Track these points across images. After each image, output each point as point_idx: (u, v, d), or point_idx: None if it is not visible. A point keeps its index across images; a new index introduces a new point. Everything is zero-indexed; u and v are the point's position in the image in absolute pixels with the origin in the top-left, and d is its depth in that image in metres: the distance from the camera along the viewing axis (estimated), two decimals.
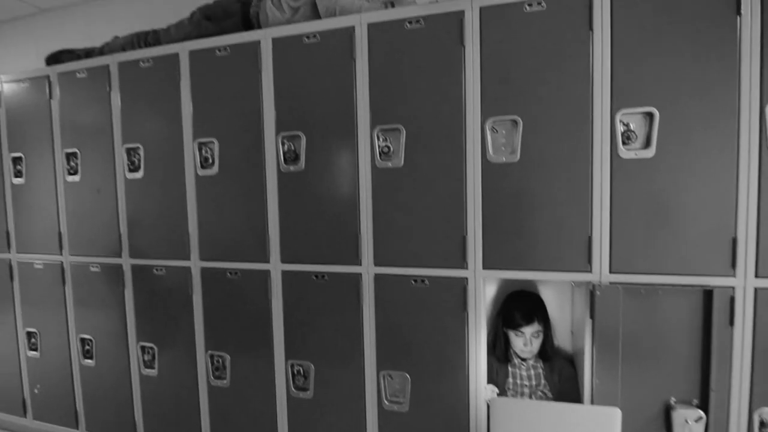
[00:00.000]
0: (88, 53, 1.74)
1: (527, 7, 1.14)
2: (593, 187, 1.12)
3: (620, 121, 1.10)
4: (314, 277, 1.38)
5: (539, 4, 1.13)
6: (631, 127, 1.10)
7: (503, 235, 1.19)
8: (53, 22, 2.31)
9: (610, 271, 1.13)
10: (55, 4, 2.22)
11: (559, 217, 1.15)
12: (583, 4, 1.11)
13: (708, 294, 1.09)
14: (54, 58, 1.78)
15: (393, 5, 1.32)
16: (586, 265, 1.14)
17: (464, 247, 1.22)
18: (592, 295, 1.15)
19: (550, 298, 1.47)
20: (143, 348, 1.62)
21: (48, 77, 1.69)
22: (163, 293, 1.58)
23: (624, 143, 1.10)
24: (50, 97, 1.68)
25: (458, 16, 1.19)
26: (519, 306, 1.37)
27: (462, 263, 1.23)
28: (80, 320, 1.72)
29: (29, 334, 1.83)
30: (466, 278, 1.23)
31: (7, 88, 1.77)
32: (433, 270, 1.26)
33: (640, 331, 1.13)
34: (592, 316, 1.16)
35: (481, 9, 1.17)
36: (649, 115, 1.08)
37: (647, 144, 1.09)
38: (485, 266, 1.21)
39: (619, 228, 1.11)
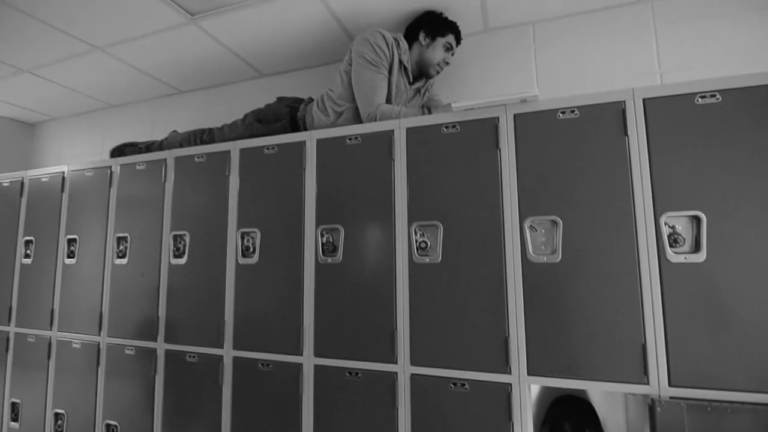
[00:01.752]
0: (149, 146, 1.91)
1: (560, 115, 1.20)
2: (643, 292, 1.07)
3: (665, 223, 1.08)
4: (347, 374, 1.33)
5: (572, 111, 1.19)
6: (678, 229, 1.08)
7: (548, 338, 1.14)
8: (120, 115, 2.60)
9: (670, 384, 1.04)
10: (123, 101, 2.51)
11: (608, 321, 1.09)
12: (617, 112, 1.15)
13: None
14: (118, 151, 1.96)
15: (430, 111, 1.41)
16: (642, 376, 1.06)
17: (507, 349, 1.16)
18: (651, 410, 1.05)
19: (600, 404, 1.35)
20: None
21: (110, 167, 1.85)
22: (193, 381, 1.55)
23: (671, 246, 1.07)
24: (110, 185, 1.83)
25: (493, 122, 1.26)
26: (568, 416, 1.26)
27: (505, 368, 1.16)
28: (108, 405, 1.70)
29: (56, 416, 1.81)
30: (510, 384, 1.15)
31: (73, 175, 1.95)
32: (474, 373, 1.19)
33: None
34: None
35: (515, 116, 1.24)
36: (696, 219, 1.06)
37: (697, 248, 1.05)
38: (530, 372, 1.14)
39: (675, 337, 1.04)
